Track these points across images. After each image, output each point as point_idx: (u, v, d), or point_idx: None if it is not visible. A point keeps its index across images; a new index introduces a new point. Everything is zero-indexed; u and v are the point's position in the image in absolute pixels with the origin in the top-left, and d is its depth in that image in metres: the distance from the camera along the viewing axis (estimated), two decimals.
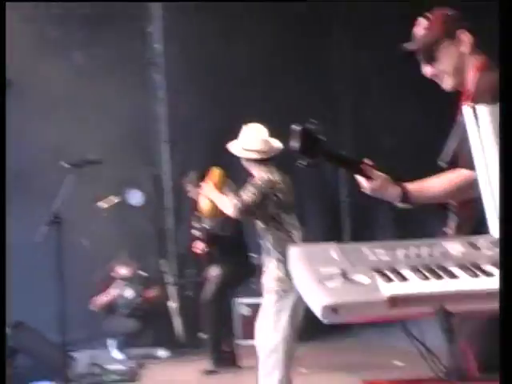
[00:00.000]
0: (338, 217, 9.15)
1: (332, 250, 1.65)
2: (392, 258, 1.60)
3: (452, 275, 1.49)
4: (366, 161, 2.65)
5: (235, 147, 4.44)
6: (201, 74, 8.18)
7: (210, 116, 8.22)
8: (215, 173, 4.55)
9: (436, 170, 2.70)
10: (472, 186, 2.40)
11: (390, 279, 1.49)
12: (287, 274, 4.23)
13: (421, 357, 1.64)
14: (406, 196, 2.51)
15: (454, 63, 2.66)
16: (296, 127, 2.50)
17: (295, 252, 1.66)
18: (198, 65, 8.15)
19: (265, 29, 8.11)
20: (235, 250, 6.67)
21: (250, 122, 4.47)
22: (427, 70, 2.70)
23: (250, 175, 4.44)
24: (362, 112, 8.83)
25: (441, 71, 2.69)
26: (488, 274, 1.49)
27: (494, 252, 1.60)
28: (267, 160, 4.37)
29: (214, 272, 6.67)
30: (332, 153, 2.66)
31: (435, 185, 2.58)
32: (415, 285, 1.47)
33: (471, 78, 2.63)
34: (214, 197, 4.42)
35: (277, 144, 4.40)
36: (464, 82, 2.67)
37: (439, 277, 1.48)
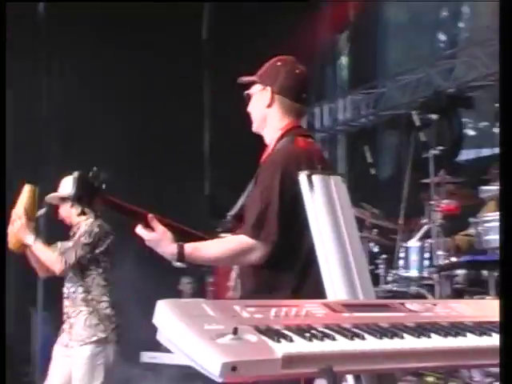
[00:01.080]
0: None
1: (204, 305, 1.61)
2: (264, 316, 1.61)
3: (328, 336, 1.55)
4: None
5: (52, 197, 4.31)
6: None
7: None
8: (28, 191, 4.16)
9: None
10: (248, 253, 2.53)
11: (276, 338, 1.49)
12: (101, 319, 4.06)
13: None
14: (181, 256, 2.53)
15: (259, 110, 2.78)
16: (74, 174, 2.47)
17: (166, 307, 1.58)
18: None
19: None
20: None
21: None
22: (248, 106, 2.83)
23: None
24: None
25: (250, 111, 2.82)
26: (359, 337, 1.57)
27: (351, 315, 1.70)
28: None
29: None
30: (114, 202, 2.64)
31: (212, 248, 2.62)
32: (304, 345, 1.49)
33: (273, 138, 2.76)
34: (37, 248, 4.08)
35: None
36: (265, 135, 2.80)
37: (320, 338, 1.53)
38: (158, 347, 8.45)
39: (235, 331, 1.47)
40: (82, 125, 9.15)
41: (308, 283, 2.53)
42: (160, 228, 2.54)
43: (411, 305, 1.84)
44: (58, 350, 4.23)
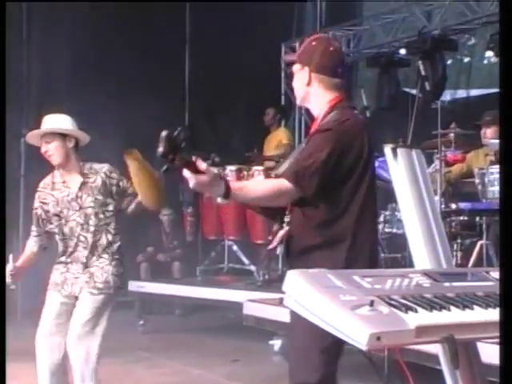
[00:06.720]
0: None
1: (330, 276, 1.77)
2: (383, 287, 1.79)
3: (444, 307, 1.73)
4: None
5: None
6: None
7: None
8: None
9: None
10: (286, 195, 2.72)
11: (404, 310, 1.67)
12: (123, 270, 4.13)
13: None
14: (228, 193, 2.65)
15: (300, 88, 2.97)
16: (162, 133, 2.52)
17: (297, 277, 1.74)
18: None
19: None
20: None
21: None
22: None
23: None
24: None
25: (294, 86, 3.02)
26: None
27: (451, 285, 1.89)
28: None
29: None
30: (191, 161, 2.70)
31: (255, 188, 2.82)
32: (428, 316, 1.68)
33: (322, 110, 2.92)
34: None
35: None
36: (312, 108, 2.97)
37: (439, 309, 1.71)
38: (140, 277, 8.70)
39: (372, 303, 1.64)
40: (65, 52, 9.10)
41: (360, 241, 2.73)
42: (208, 169, 2.60)
43: (495, 273, 2.03)
44: (57, 296, 4.08)
